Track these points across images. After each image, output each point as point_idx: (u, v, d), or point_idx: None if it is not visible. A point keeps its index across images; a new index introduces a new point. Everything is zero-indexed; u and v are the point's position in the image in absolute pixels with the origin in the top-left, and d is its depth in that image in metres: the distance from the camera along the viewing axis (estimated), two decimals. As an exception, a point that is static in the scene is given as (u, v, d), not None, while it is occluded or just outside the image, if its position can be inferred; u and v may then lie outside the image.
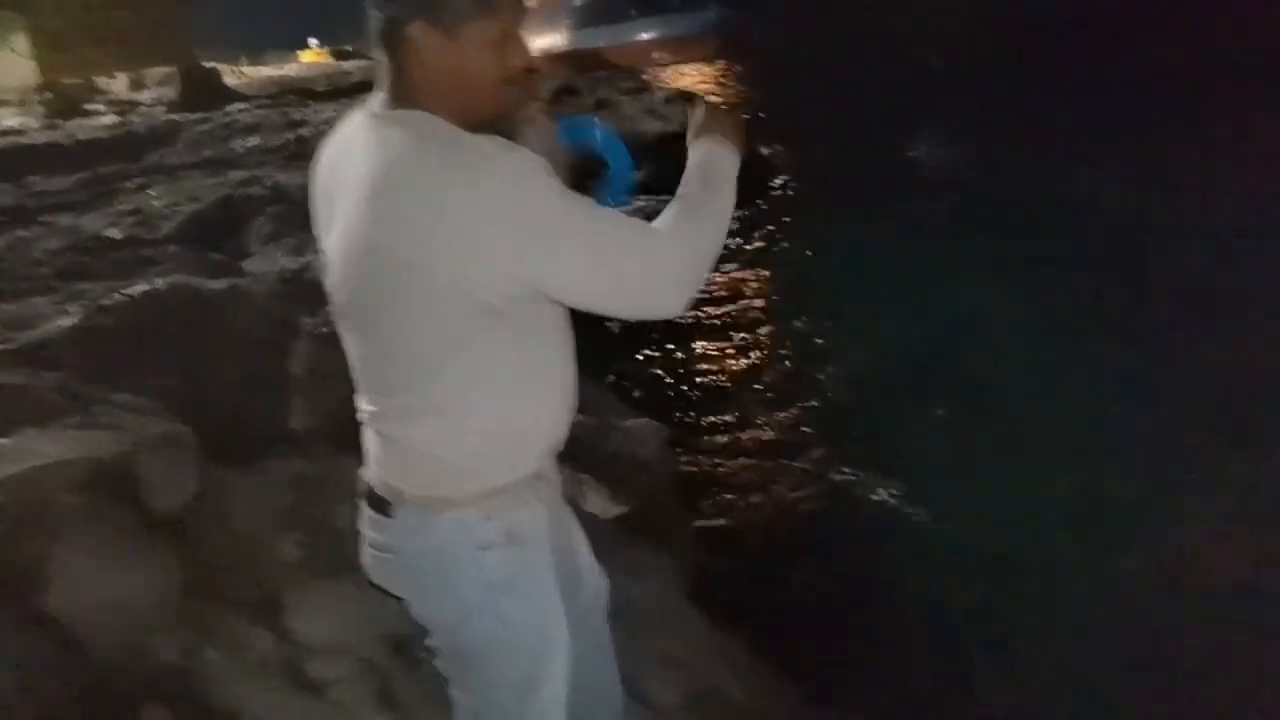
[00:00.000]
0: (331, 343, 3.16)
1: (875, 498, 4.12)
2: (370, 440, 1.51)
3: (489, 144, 1.27)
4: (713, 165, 1.45)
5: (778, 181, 11.49)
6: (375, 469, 1.50)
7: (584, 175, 1.69)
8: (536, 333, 1.39)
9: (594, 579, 1.84)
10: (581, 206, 1.28)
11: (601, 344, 4.20)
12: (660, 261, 1.31)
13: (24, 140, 9.92)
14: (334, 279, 1.39)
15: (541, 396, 1.46)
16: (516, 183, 1.23)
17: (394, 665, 2.28)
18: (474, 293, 1.26)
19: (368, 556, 1.56)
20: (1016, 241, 7.44)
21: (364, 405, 1.49)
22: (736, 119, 1.53)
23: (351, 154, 1.33)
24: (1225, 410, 4.59)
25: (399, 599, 1.60)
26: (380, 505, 1.48)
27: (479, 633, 1.51)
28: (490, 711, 1.57)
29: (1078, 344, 5.49)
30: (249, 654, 2.20)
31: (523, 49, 1.35)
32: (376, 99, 1.35)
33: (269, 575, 2.36)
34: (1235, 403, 4.64)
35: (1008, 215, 8.37)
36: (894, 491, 4.16)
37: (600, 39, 38.16)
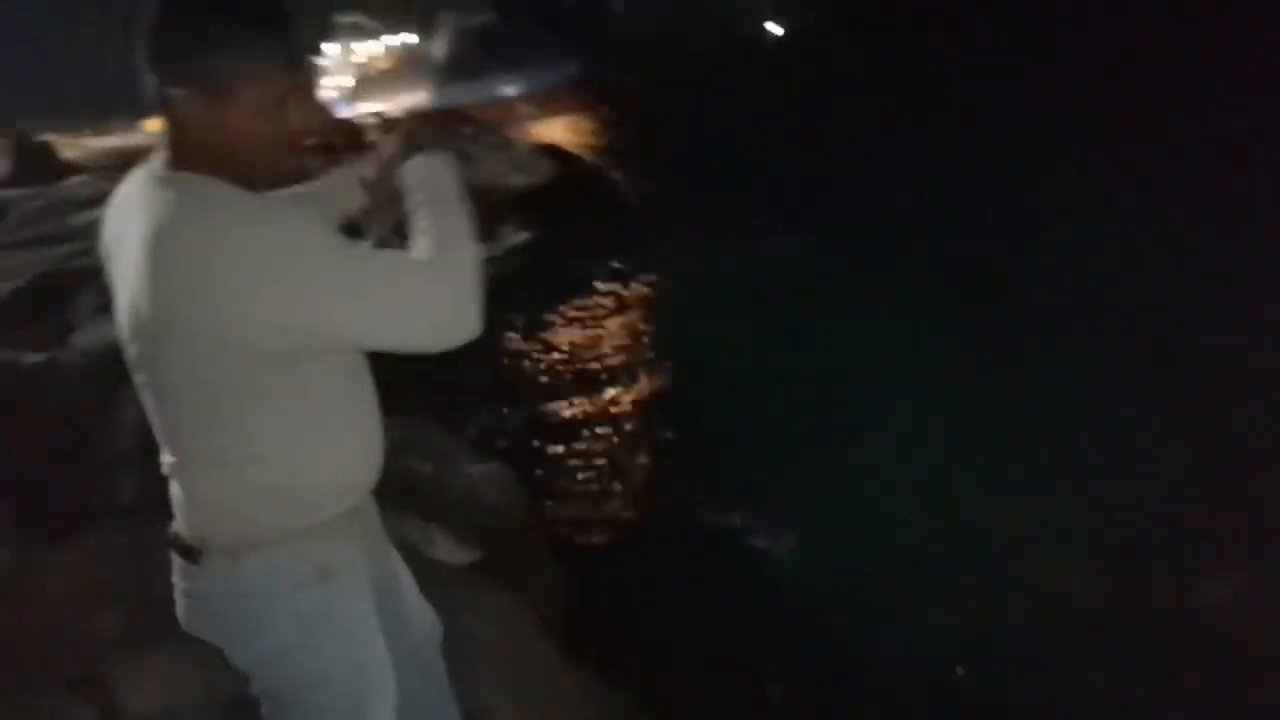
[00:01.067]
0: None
1: (738, 536, 4.18)
2: (174, 491, 1.52)
3: (254, 202, 1.33)
4: (432, 176, 1.50)
5: (641, 220, 11.69)
6: (181, 519, 1.51)
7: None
8: (325, 380, 1.44)
9: (424, 617, 1.86)
10: (349, 251, 1.33)
11: (447, 389, 4.21)
12: (441, 295, 1.34)
13: None
14: (123, 336, 1.42)
15: (337, 442, 1.49)
16: (280, 237, 1.28)
17: (234, 728, 2.24)
18: (251, 346, 1.30)
19: (181, 606, 1.56)
20: (896, 262, 7.65)
21: (165, 459, 1.51)
22: (411, 124, 1.58)
23: (130, 214, 1.36)
24: (1106, 435, 4.65)
25: (218, 649, 1.61)
26: (188, 553, 1.49)
27: (296, 670, 1.53)
28: None
29: (955, 367, 5.47)
30: (73, 732, 2.13)
31: (303, 112, 1.38)
32: (158, 158, 1.39)
33: (92, 650, 2.29)
34: (1117, 426, 4.69)
35: (889, 231, 8.66)
36: (748, 525, 4.24)
37: (464, 96, 38.23)
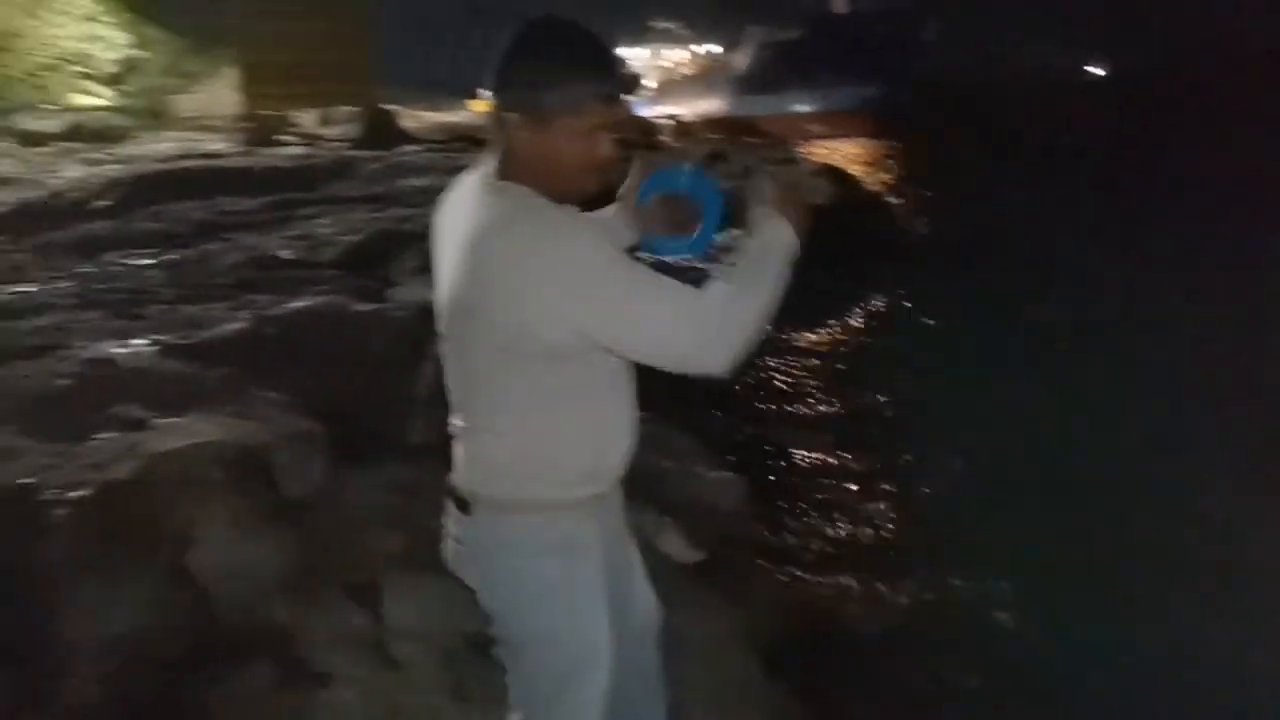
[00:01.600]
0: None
1: (955, 586, 4.11)
2: (457, 450, 1.79)
3: (564, 218, 1.55)
4: (772, 242, 1.64)
5: (915, 258, 11.47)
6: (459, 474, 1.78)
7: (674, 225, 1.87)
8: (594, 377, 1.63)
9: (646, 603, 2.03)
10: (635, 272, 1.52)
11: (700, 397, 4.42)
12: (707, 323, 1.51)
13: (220, 163, 11.01)
14: (439, 309, 1.70)
15: (596, 432, 1.70)
16: (579, 251, 1.49)
17: (470, 659, 2.53)
18: (541, 339, 1.52)
19: (449, 548, 1.83)
20: (1149, 345, 7.22)
21: (454, 421, 1.78)
22: (800, 201, 1.70)
23: (461, 211, 1.64)
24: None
25: (473, 590, 1.87)
26: (461, 504, 1.74)
27: (529, 625, 1.74)
28: (529, 699, 1.80)
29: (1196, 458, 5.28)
30: (346, 629, 2.51)
31: (609, 143, 1.59)
32: (488, 166, 1.65)
33: (372, 563, 2.68)
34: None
35: (1145, 321, 8.13)
36: (970, 581, 4.14)
37: (756, 108, 38.79)
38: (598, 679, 1.76)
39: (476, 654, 2.51)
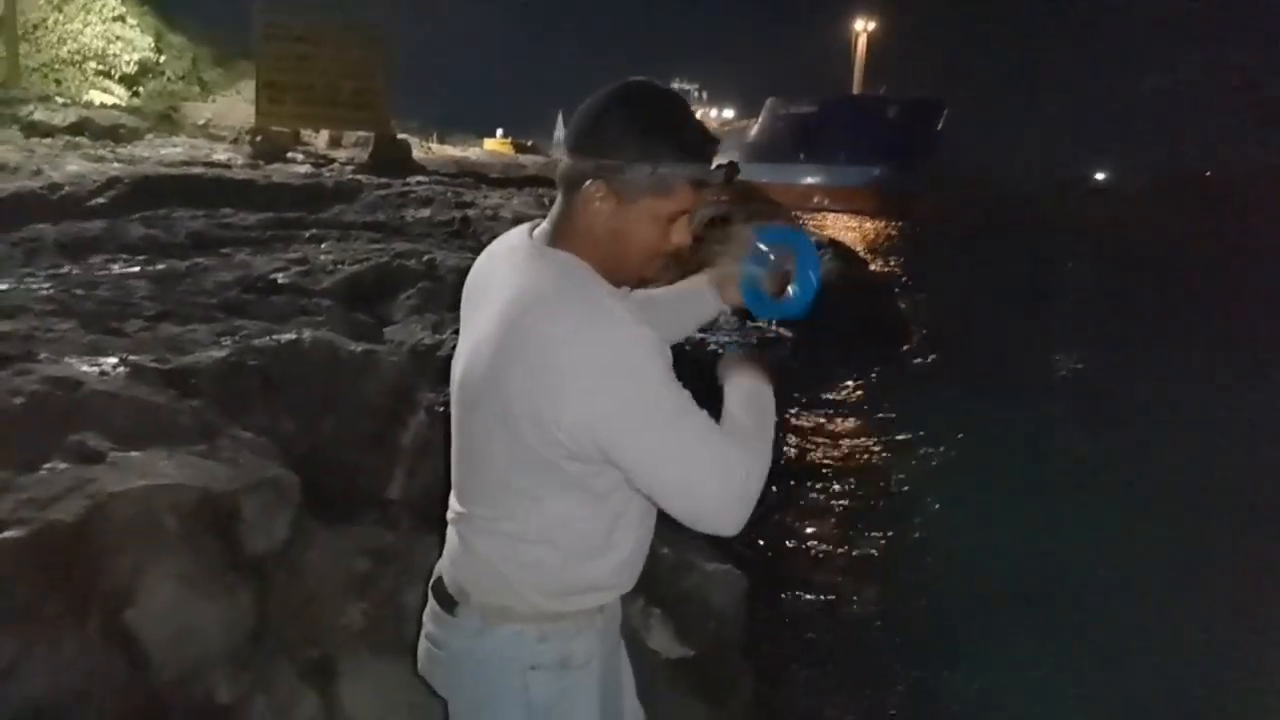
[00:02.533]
0: (442, 422, 3.29)
1: (949, 698, 3.90)
2: (450, 539, 1.57)
3: (619, 309, 1.35)
4: (760, 395, 1.50)
5: (913, 344, 11.38)
6: (449, 566, 1.56)
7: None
8: (619, 486, 1.43)
9: (634, 717, 1.83)
10: (679, 402, 1.33)
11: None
12: (735, 481, 1.33)
13: (228, 174, 10.84)
14: (456, 378, 1.49)
15: (615, 546, 1.49)
16: (626, 359, 1.30)
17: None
18: (561, 440, 1.33)
19: (422, 648, 1.61)
20: (1151, 467, 7.08)
21: (453, 504, 1.56)
22: (764, 360, 1.60)
23: (503, 270, 1.44)
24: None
25: (442, 698, 1.63)
26: (446, 601, 1.54)
27: None
28: None
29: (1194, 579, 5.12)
30: (295, 713, 2.24)
31: (684, 230, 1.44)
32: (542, 228, 1.47)
33: (331, 638, 2.42)
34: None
35: (1145, 437, 8.00)
36: (967, 690, 3.94)
37: (765, 175, 39.32)
38: None
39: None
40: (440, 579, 1.58)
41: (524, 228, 1.50)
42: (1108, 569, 5.27)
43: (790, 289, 1.71)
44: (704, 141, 1.40)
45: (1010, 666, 4.16)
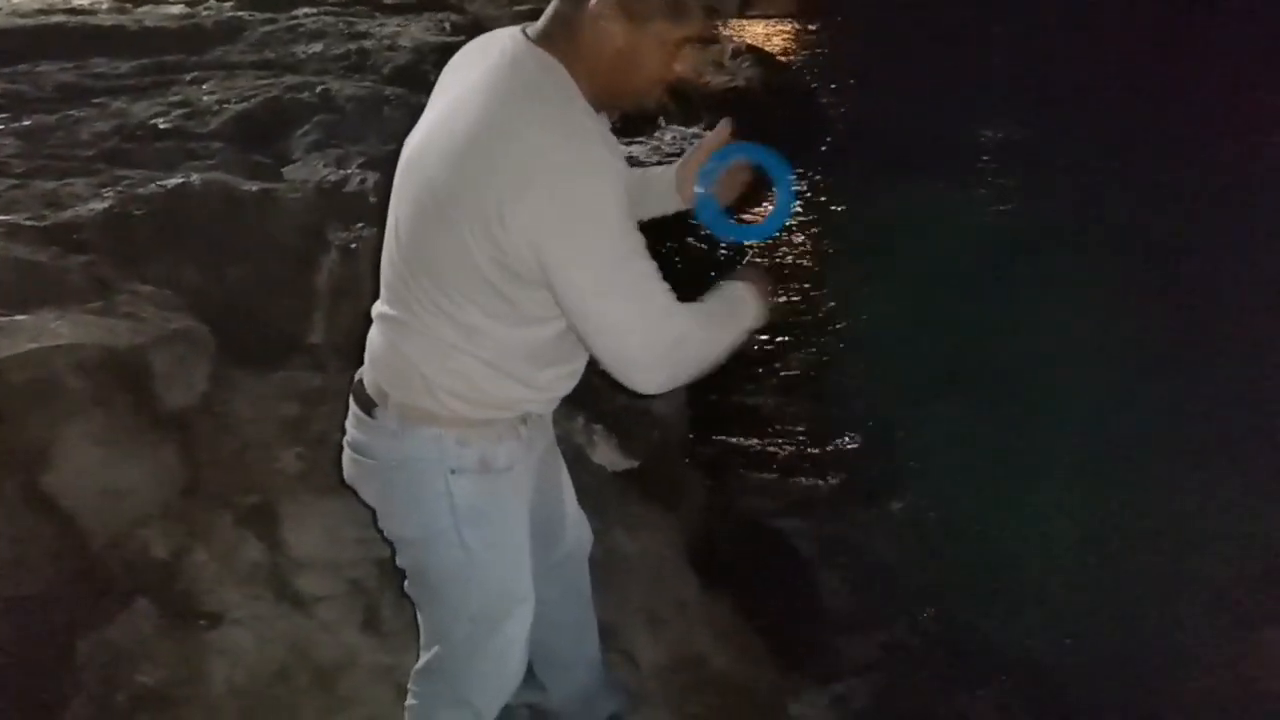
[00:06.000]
0: (359, 259, 3.14)
1: (884, 487, 4.07)
2: (373, 340, 1.51)
3: (599, 140, 1.28)
4: (741, 303, 1.49)
5: (837, 143, 11.21)
6: (370, 370, 1.51)
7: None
8: (552, 318, 1.37)
9: (576, 529, 1.85)
10: (631, 244, 1.28)
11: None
12: (662, 339, 1.31)
13: (92, 21, 9.84)
14: (403, 165, 1.40)
15: (544, 366, 1.45)
16: (590, 183, 1.24)
17: (383, 589, 2.28)
18: (499, 241, 1.25)
19: (346, 456, 1.57)
20: (1069, 251, 7.20)
21: (379, 305, 1.49)
22: (767, 290, 1.57)
23: (488, 61, 1.32)
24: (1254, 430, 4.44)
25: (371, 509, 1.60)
26: (365, 403, 1.49)
27: (442, 558, 1.51)
28: (447, 640, 1.58)
29: (1122, 360, 5.30)
30: (238, 560, 2.21)
31: (689, 58, 1.35)
32: (538, 26, 1.34)
33: (267, 483, 2.36)
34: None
35: (1068, 220, 8.11)
36: (903, 481, 4.12)
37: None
38: (519, 615, 1.57)
39: (390, 584, 2.26)
40: (360, 381, 1.53)
41: (517, 28, 1.37)
42: (1030, 347, 5.38)
43: (766, 209, 1.67)
44: None
45: (947, 441, 4.32)
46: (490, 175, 1.23)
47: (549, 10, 1.34)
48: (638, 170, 1.71)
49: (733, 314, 1.47)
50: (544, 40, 1.31)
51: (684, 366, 1.36)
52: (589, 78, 1.30)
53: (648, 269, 1.29)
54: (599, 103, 1.33)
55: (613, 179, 1.26)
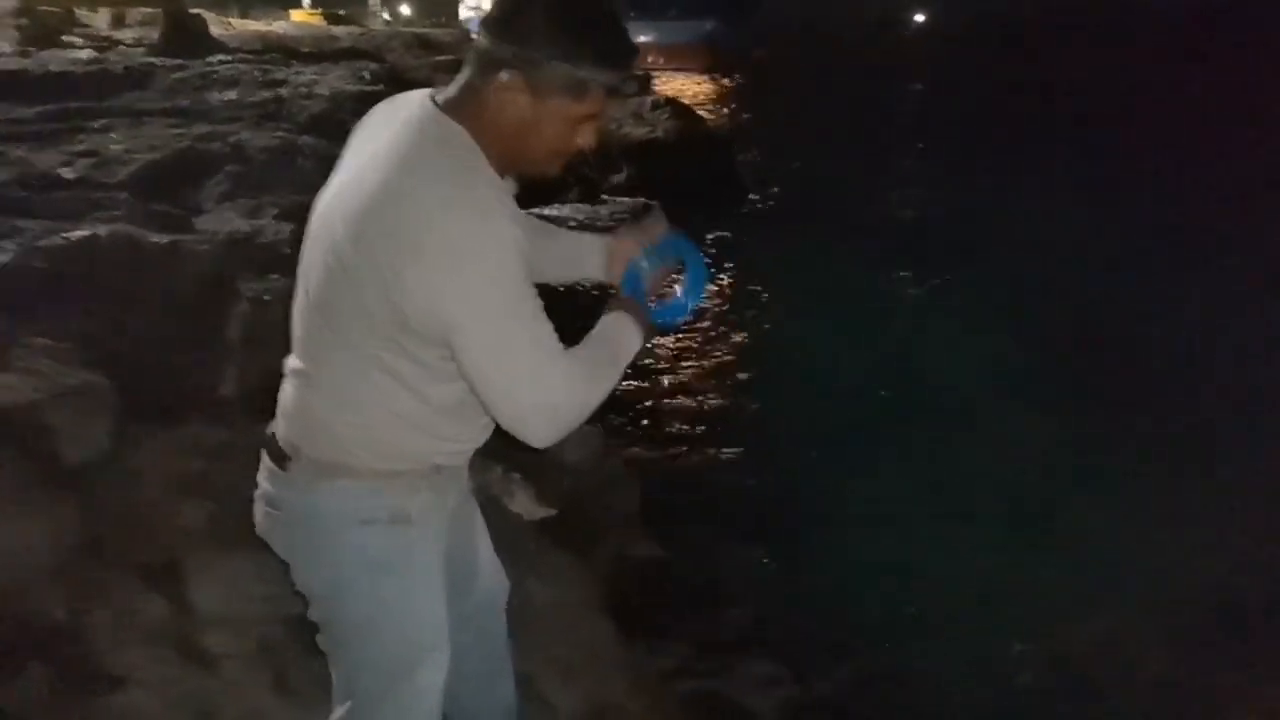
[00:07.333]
0: (271, 309, 3.12)
1: (798, 527, 4.16)
2: (285, 393, 1.51)
3: (499, 207, 1.33)
4: (623, 337, 1.52)
5: (752, 197, 11.54)
6: (282, 422, 1.51)
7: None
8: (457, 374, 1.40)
9: (491, 577, 1.85)
10: (527, 306, 1.33)
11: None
12: (552, 398, 1.35)
13: (-9, 65, 9.61)
14: (313, 224, 1.42)
15: (452, 420, 1.47)
16: (487, 248, 1.28)
17: (292, 647, 2.24)
18: (399, 305, 1.29)
19: (258, 509, 1.56)
20: (978, 279, 7.52)
21: (290, 360, 1.50)
22: (645, 313, 1.61)
23: (394, 125, 1.36)
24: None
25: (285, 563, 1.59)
26: (278, 457, 1.49)
27: (352, 610, 1.52)
28: (357, 691, 1.57)
29: (1030, 386, 5.55)
30: (141, 619, 2.15)
31: (590, 136, 1.41)
32: (447, 93, 1.39)
33: (171, 540, 2.31)
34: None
35: (978, 250, 8.48)
36: (825, 513, 4.22)
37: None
38: (432, 664, 1.57)
39: (300, 641, 2.23)
40: (273, 435, 1.52)
41: (427, 91, 1.42)
42: (946, 386, 5.61)
43: (677, 290, 1.73)
44: (627, 51, 1.37)
45: (861, 479, 4.44)
46: (388, 240, 1.27)
47: (459, 78, 1.39)
48: (550, 228, 1.75)
49: (616, 355, 1.51)
50: (452, 108, 1.36)
51: (576, 416, 1.40)
52: (494, 145, 1.36)
53: (539, 331, 1.34)
54: (503, 169, 1.38)
55: (508, 245, 1.31)
